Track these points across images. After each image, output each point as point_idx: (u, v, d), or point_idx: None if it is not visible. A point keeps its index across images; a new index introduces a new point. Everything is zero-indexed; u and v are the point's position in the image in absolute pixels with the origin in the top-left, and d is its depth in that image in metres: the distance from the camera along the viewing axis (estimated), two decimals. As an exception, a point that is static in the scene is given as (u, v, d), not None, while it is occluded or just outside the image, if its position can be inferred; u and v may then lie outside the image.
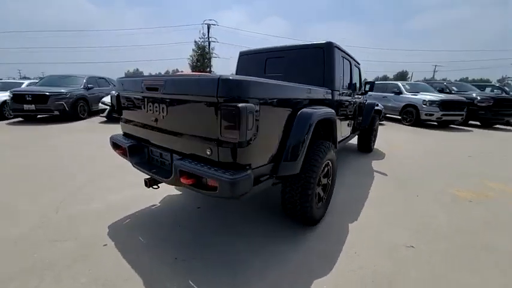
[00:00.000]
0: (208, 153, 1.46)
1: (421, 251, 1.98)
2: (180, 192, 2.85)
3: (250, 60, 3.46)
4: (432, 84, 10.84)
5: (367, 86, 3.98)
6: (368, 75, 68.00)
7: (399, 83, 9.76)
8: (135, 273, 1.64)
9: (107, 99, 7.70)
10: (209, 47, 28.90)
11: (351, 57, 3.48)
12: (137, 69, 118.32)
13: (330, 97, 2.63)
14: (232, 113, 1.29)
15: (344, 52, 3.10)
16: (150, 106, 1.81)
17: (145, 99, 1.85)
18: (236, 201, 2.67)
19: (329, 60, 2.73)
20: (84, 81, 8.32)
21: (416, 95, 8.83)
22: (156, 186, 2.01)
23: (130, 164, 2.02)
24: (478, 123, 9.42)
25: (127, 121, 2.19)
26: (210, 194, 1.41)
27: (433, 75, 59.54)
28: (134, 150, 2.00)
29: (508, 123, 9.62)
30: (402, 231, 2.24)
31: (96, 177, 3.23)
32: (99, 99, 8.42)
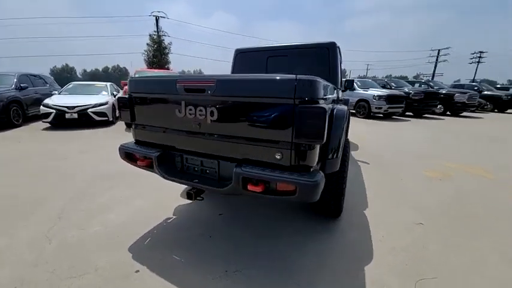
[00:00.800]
0: (278, 157, 1.41)
1: (428, 226, 2.32)
2: (188, 202, 2.65)
3: (249, 59, 3.39)
4: (376, 80, 12.41)
5: (347, 84, 4.35)
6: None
7: (353, 80, 10.89)
8: (192, 295, 1.49)
9: (51, 101, 6.48)
10: (160, 41, 26.71)
11: (341, 56, 3.76)
12: (66, 65, 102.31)
13: (336, 95, 2.81)
14: (317, 114, 1.27)
15: (340, 51, 3.33)
16: (190, 110, 1.62)
17: (183, 102, 1.65)
18: (253, 202, 2.64)
19: (333, 60, 2.90)
20: (15, 80, 6.78)
21: (367, 90, 9.99)
22: (200, 198, 1.83)
23: (160, 176, 1.78)
24: (411, 113, 11.24)
25: (146, 127, 1.93)
26: (284, 199, 1.38)
27: (366, 73, 67.81)
28: (163, 160, 1.78)
29: (433, 113, 11.72)
30: (406, 211, 2.57)
31: (79, 197, 2.74)
32: (36, 101, 7.03)
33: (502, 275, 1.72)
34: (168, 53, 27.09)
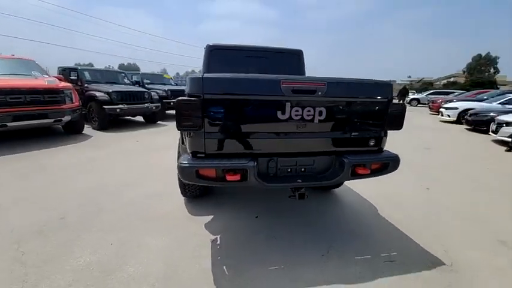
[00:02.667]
0: (371, 143, 1.86)
1: (435, 188, 2.96)
2: (212, 213, 2.55)
3: (225, 56, 3.19)
4: None
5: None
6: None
7: None
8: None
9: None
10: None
11: None
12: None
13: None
14: (400, 109, 1.86)
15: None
16: (297, 111, 1.64)
17: (289, 104, 1.62)
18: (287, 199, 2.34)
19: (303, 65, 3.38)
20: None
21: None
22: (306, 197, 1.88)
23: (259, 186, 1.70)
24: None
25: (227, 134, 1.67)
26: (378, 174, 1.87)
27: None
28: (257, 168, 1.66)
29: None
30: (412, 178, 3.19)
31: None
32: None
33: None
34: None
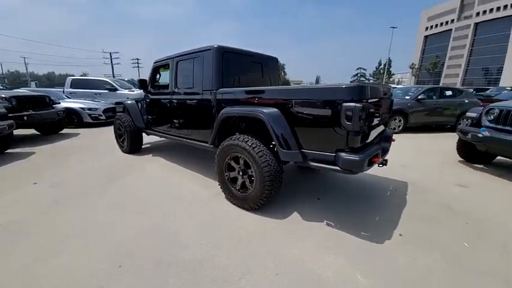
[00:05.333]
0: None
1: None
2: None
3: (235, 60, 3.14)
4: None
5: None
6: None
7: (109, 79, 10.00)
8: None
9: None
10: None
11: None
12: None
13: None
14: None
15: None
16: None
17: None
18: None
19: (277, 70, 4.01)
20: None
21: (133, 90, 9.39)
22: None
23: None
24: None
25: (364, 131, 1.99)
26: None
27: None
28: None
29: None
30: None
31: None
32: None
33: None
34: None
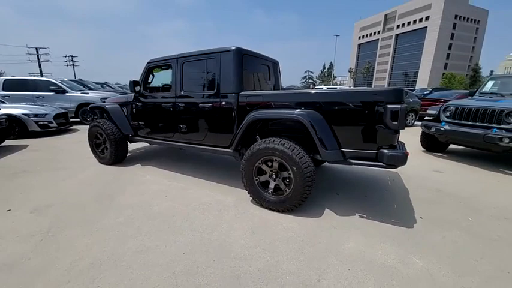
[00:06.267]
0: None
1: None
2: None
3: (251, 63, 3.13)
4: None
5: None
6: None
7: (55, 80, 8.36)
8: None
9: None
10: None
11: None
12: None
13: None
14: None
15: None
16: None
17: None
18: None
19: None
20: None
21: (87, 93, 8.46)
22: None
23: None
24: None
25: None
26: None
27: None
28: None
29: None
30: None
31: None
32: None
33: None
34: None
